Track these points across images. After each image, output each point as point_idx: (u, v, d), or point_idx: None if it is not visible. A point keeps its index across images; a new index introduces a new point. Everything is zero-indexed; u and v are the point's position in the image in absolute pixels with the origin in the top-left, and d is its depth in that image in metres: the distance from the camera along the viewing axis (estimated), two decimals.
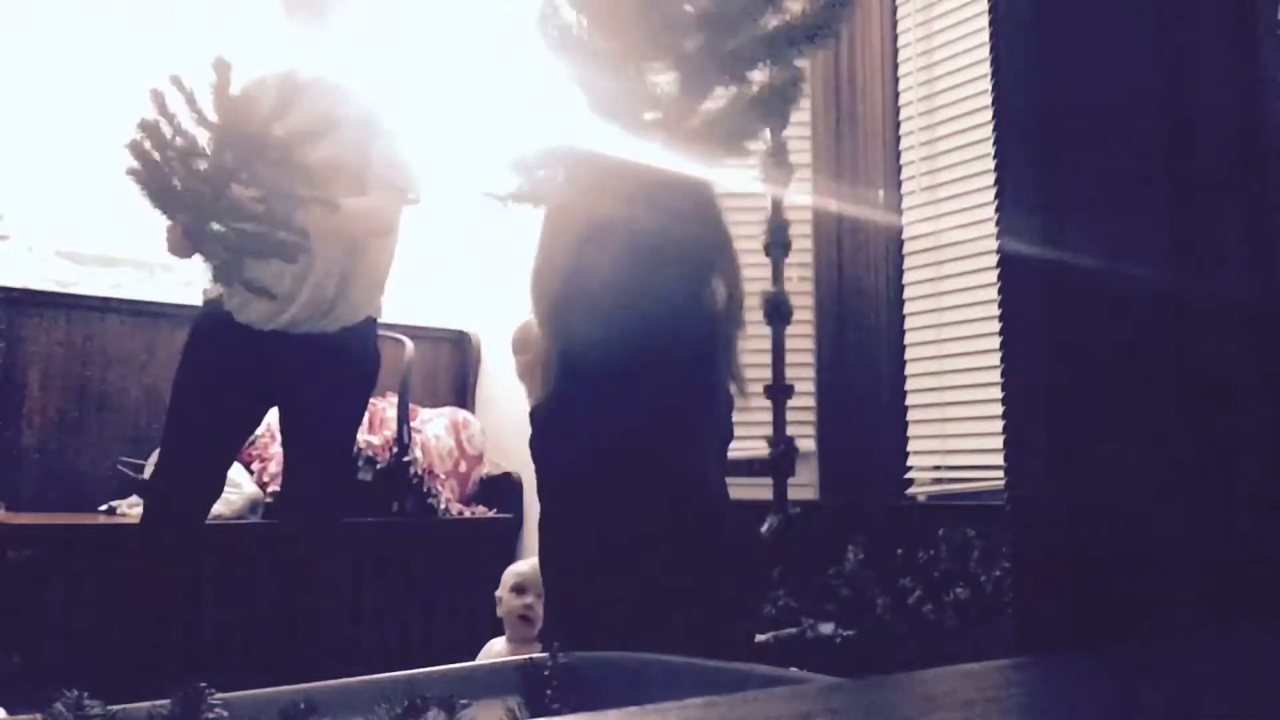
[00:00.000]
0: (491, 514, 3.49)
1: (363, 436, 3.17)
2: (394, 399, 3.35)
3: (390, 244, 2.48)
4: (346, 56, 2.45)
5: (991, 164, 1.02)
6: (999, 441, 1.00)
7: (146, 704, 0.77)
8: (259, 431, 3.00)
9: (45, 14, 3.39)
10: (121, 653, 2.28)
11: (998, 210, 1.01)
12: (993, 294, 1.04)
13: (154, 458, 2.71)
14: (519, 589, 2.57)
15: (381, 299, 2.50)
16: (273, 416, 2.59)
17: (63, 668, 2.59)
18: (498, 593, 2.63)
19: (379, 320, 2.49)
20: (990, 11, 1.03)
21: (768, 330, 2.83)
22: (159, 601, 2.28)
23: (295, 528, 2.41)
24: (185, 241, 2.02)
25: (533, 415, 1.74)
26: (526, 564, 2.61)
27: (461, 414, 3.60)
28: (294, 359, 2.33)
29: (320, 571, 2.40)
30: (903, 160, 3.10)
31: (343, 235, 2.27)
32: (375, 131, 2.36)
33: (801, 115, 3.15)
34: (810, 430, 3.11)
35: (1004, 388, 0.98)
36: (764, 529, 2.46)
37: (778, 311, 2.82)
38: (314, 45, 2.41)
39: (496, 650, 2.58)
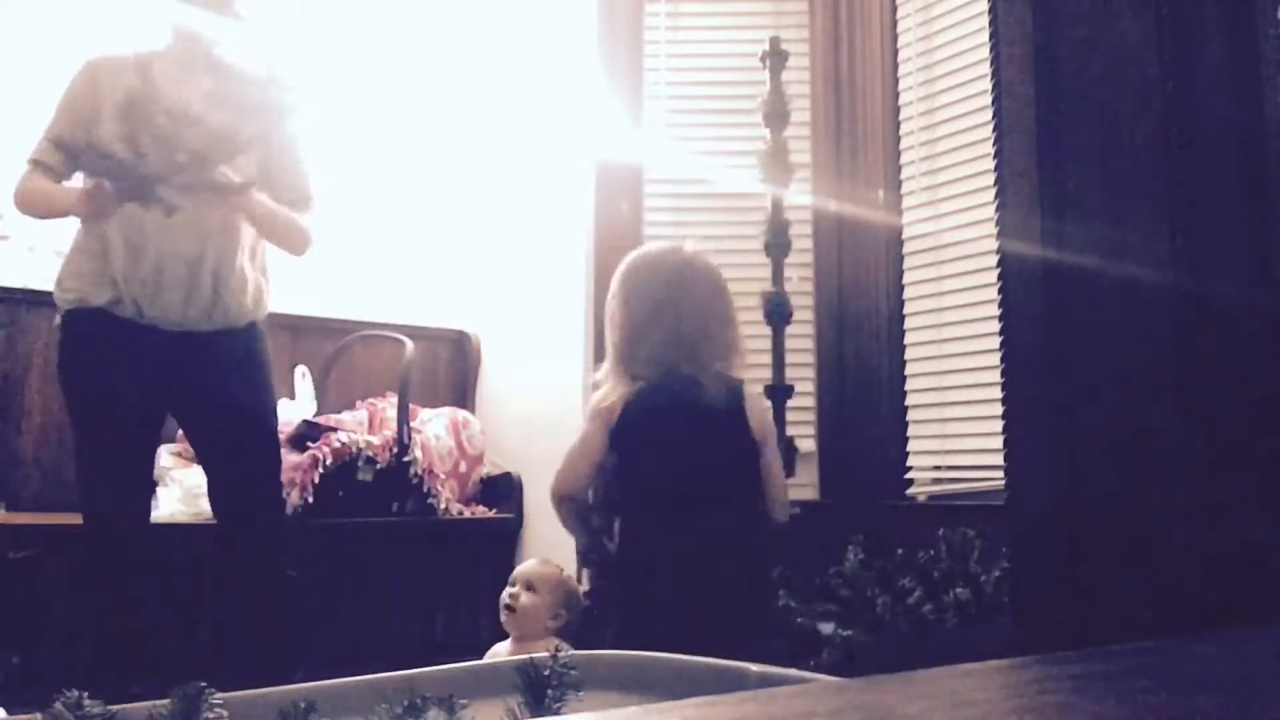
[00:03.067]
0: (491, 514, 3.48)
1: (363, 437, 3.17)
2: (394, 399, 3.34)
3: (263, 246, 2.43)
4: (255, 47, 2.38)
5: (991, 164, 1.02)
6: (999, 441, 1.00)
7: (146, 704, 0.77)
8: None
9: (44, 14, 3.39)
10: (98, 655, 2.26)
11: (998, 210, 1.01)
12: (993, 294, 1.04)
13: None
14: (512, 581, 2.61)
15: (267, 298, 2.43)
16: None
17: (63, 668, 2.59)
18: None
19: (264, 320, 2.43)
20: (990, 12, 1.03)
21: (768, 330, 2.83)
22: (120, 608, 2.24)
23: (246, 529, 2.36)
24: (115, 201, 2.11)
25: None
26: (530, 561, 2.65)
27: (461, 414, 3.60)
28: (182, 356, 2.27)
29: (283, 572, 2.37)
30: (903, 160, 3.10)
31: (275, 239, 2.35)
32: (280, 131, 2.30)
33: (801, 115, 3.15)
34: (810, 430, 3.11)
35: (1004, 387, 0.99)
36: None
37: (778, 312, 2.82)
38: (221, 34, 2.35)
39: (500, 654, 2.59)
